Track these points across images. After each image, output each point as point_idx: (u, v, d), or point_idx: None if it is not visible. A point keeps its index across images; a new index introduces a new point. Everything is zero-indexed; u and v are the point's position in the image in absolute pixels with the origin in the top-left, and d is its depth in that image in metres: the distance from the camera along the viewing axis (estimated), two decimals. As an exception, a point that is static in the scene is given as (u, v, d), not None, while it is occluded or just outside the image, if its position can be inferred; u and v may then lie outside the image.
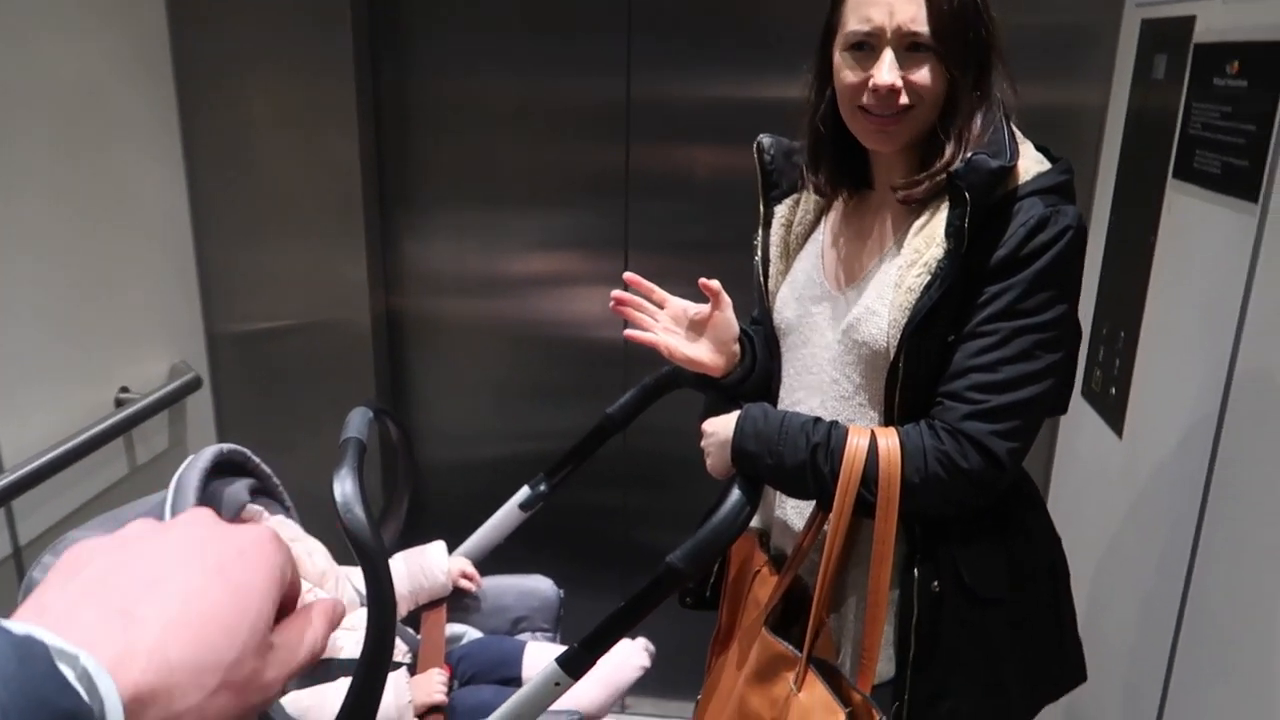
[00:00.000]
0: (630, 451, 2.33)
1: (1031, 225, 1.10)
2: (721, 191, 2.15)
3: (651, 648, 1.50)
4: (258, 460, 1.47)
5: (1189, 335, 1.49)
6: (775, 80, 2.04)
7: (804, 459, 1.13)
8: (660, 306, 1.31)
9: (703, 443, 1.26)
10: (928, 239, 1.14)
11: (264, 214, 2.16)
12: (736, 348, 1.32)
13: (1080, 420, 1.87)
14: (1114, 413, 1.71)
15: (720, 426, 1.22)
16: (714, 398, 1.37)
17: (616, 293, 1.30)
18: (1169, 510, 1.50)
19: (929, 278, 1.12)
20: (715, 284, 1.26)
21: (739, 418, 1.19)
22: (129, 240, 1.93)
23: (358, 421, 1.24)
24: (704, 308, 1.28)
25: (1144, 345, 1.63)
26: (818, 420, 1.17)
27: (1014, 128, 1.17)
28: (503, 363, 2.38)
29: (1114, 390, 1.72)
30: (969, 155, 1.09)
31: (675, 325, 1.30)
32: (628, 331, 1.28)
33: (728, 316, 1.29)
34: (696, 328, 1.30)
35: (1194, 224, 1.50)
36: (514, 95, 2.17)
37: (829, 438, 1.14)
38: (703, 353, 1.29)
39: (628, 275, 1.30)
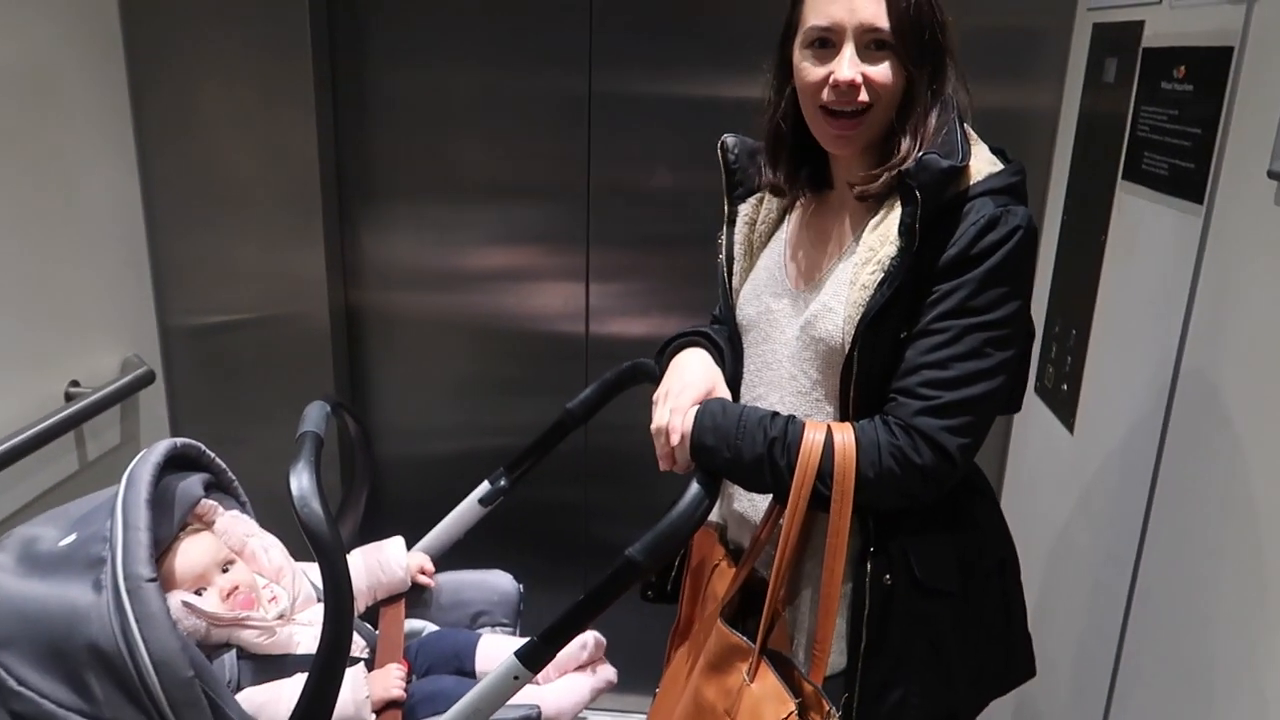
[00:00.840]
0: (591, 447, 2.33)
1: (982, 224, 1.12)
2: (683, 187, 2.16)
3: (603, 640, 1.50)
4: (212, 455, 1.45)
5: (1137, 333, 1.53)
6: (737, 77, 2.05)
7: (761, 453, 1.15)
8: None
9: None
10: (882, 237, 1.16)
11: (219, 204, 2.12)
12: None
13: (1033, 416, 1.91)
14: (1065, 409, 1.75)
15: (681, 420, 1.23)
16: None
17: None
18: (1117, 505, 1.54)
19: (881, 275, 1.14)
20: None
21: (697, 412, 1.20)
22: (78, 229, 1.89)
23: (315, 415, 1.23)
24: None
25: (1094, 342, 1.66)
26: (775, 415, 1.18)
27: (967, 129, 1.19)
28: (463, 357, 2.37)
29: (1065, 386, 1.75)
30: (920, 154, 1.11)
31: None
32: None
33: None
34: None
35: (1142, 224, 1.54)
36: (475, 86, 2.16)
37: (786, 432, 1.16)
38: None
39: None
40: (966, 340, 1.12)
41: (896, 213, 1.16)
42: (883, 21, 1.13)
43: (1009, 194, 1.16)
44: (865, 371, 1.16)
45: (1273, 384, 1.14)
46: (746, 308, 1.33)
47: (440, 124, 2.20)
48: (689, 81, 2.12)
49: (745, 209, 1.36)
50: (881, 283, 1.14)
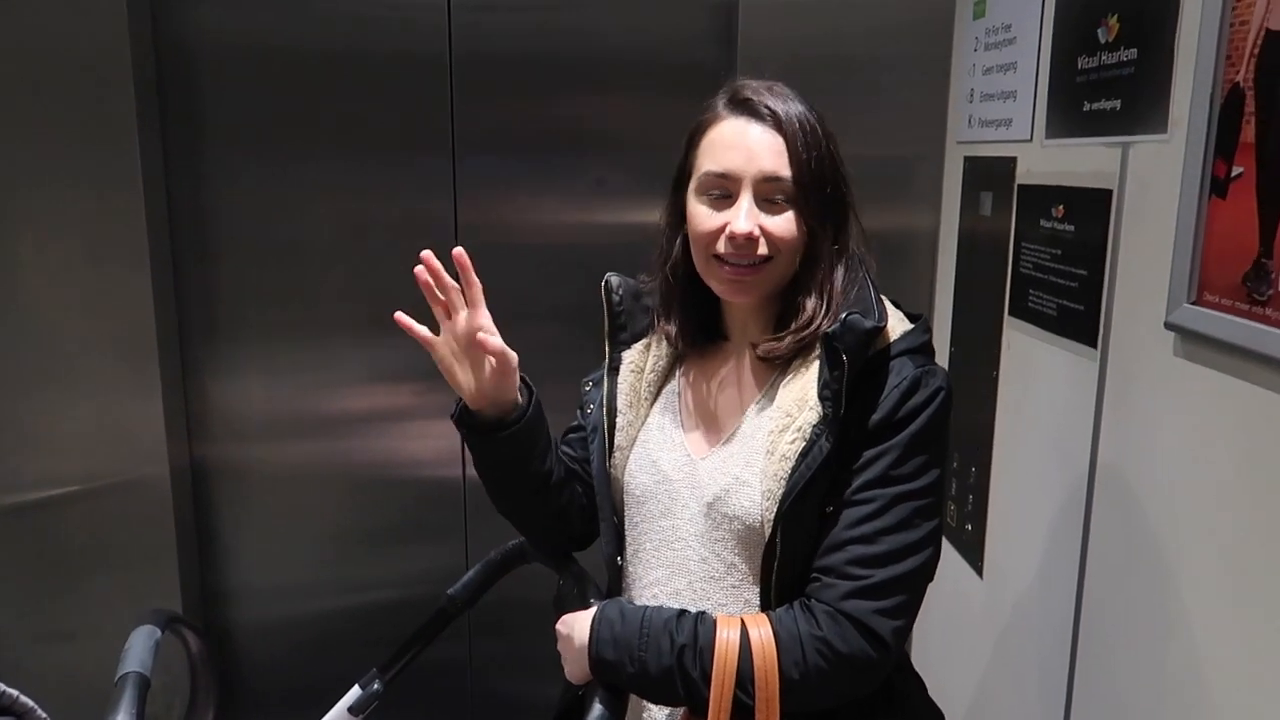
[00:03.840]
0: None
1: (905, 387, 1.04)
2: (555, 315, 2.06)
3: None
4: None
5: (1042, 473, 1.48)
6: (606, 207, 2.00)
7: (670, 664, 1.01)
8: (469, 308, 1.12)
9: (559, 646, 1.12)
10: (798, 400, 1.07)
11: (33, 357, 1.88)
12: (515, 395, 1.16)
13: (942, 559, 1.85)
14: (973, 550, 1.69)
15: (576, 628, 1.09)
16: (568, 581, 1.24)
17: (428, 256, 1.11)
18: (1037, 652, 1.47)
19: (804, 444, 1.04)
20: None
21: (593, 620, 1.06)
22: None
23: (138, 649, 1.02)
24: (500, 352, 1.10)
25: (996, 481, 1.62)
26: (681, 615, 1.05)
27: (876, 285, 1.13)
28: (328, 510, 2.16)
29: (970, 527, 1.70)
30: (844, 316, 1.03)
31: (461, 339, 1.12)
32: (400, 314, 1.11)
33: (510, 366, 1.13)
34: (476, 358, 1.13)
35: (1035, 362, 1.51)
36: (330, 213, 2.02)
37: (696, 635, 1.03)
38: (471, 382, 1.13)
39: (457, 251, 1.11)
40: (894, 511, 1.03)
41: (810, 372, 1.07)
42: (784, 171, 1.06)
43: (924, 353, 1.10)
44: (790, 552, 1.05)
45: (1184, 526, 1.10)
46: (640, 475, 1.21)
47: (294, 258, 2.03)
48: (558, 209, 2.05)
49: (631, 356, 1.25)
50: (805, 452, 1.04)
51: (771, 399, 1.11)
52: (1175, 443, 1.14)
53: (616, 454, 1.23)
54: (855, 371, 1.03)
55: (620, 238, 2.02)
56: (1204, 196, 1.07)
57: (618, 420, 1.23)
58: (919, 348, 1.10)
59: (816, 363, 1.08)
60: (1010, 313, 1.59)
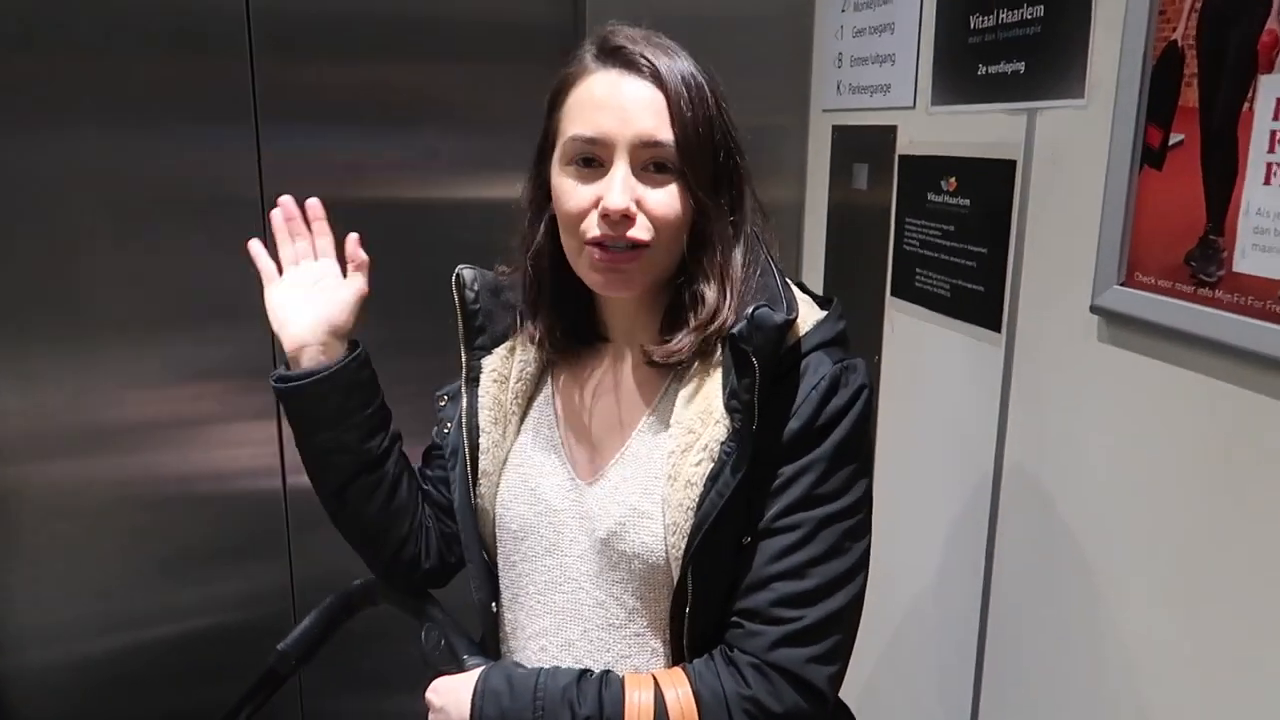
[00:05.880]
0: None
1: (824, 388, 0.89)
2: (384, 309, 1.80)
3: None
4: None
5: (939, 468, 1.39)
6: (452, 180, 1.76)
7: None
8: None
9: (430, 718, 0.90)
10: (702, 414, 0.89)
11: None
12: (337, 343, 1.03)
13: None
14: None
15: (451, 699, 0.88)
16: (433, 631, 1.02)
17: (287, 202, 1.08)
18: (939, 665, 1.38)
19: (712, 466, 0.87)
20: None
21: (475, 694, 0.86)
22: None
23: None
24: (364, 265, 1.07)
25: (883, 476, 1.52)
26: (582, 677, 0.86)
27: (780, 268, 0.96)
28: (121, 533, 1.83)
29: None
30: (750, 310, 0.86)
31: (311, 272, 1.07)
32: (253, 243, 1.07)
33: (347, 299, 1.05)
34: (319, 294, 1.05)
35: (926, 347, 1.41)
36: (105, 193, 1.68)
37: (601, 702, 0.84)
38: (304, 315, 1.03)
39: (312, 202, 1.08)
40: (822, 537, 0.88)
41: (713, 379, 0.90)
42: (664, 134, 0.87)
43: (840, 345, 0.94)
44: (703, 594, 0.88)
45: (1108, 529, 1.01)
46: (515, 505, 1.00)
47: (58, 247, 1.67)
48: (385, 187, 1.79)
49: (493, 363, 1.04)
50: (713, 476, 0.87)
51: (668, 412, 0.93)
52: (1098, 437, 1.06)
53: (483, 481, 1.01)
54: (768, 376, 0.87)
55: (462, 216, 1.80)
56: (1135, 167, 0.98)
57: (481, 440, 1.01)
58: (834, 339, 0.94)
59: (718, 367, 0.91)
60: (893, 292, 1.48)
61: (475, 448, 1.02)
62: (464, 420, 1.02)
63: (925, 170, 1.38)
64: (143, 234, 1.71)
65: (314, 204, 1.07)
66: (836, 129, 1.67)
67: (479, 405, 1.02)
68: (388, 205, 1.83)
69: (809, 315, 0.94)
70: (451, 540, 1.08)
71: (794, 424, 0.88)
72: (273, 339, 1.01)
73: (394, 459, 1.04)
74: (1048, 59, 1.12)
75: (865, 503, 0.92)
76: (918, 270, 1.41)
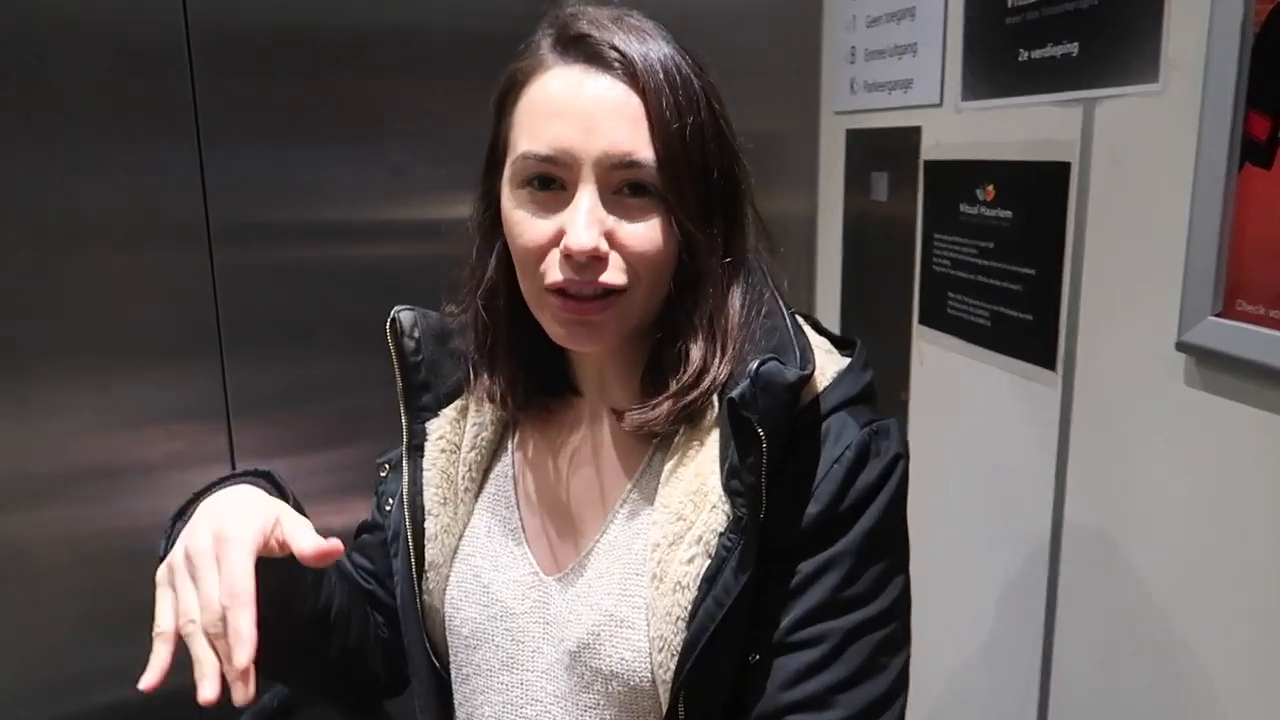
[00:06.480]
0: None
1: (850, 461, 0.68)
2: (336, 346, 1.61)
3: None
4: None
5: (980, 529, 1.18)
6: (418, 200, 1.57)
7: None
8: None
9: None
10: (693, 495, 0.69)
11: None
12: None
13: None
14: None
15: None
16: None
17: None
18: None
19: (708, 563, 0.67)
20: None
21: None
22: None
23: None
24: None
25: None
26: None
27: (786, 305, 0.76)
28: (68, 592, 1.62)
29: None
30: (754, 365, 0.65)
31: None
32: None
33: None
34: None
35: (963, 384, 1.20)
36: (25, 218, 1.50)
37: None
38: None
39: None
40: (851, 654, 0.68)
41: (707, 448, 0.70)
42: (642, 150, 0.67)
43: (867, 401, 0.74)
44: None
45: (1197, 608, 0.80)
46: (466, 606, 0.80)
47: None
48: (344, 209, 1.60)
49: (440, 427, 0.83)
50: (710, 577, 0.67)
51: (651, 489, 0.73)
52: (1181, 496, 0.85)
53: (430, 574, 0.81)
54: (778, 449, 0.67)
55: (427, 238, 1.60)
56: (1233, 166, 0.77)
57: (427, 524, 0.81)
58: (860, 394, 0.73)
59: (714, 432, 0.71)
60: (921, 320, 1.28)
61: (420, 534, 0.81)
62: (406, 499, 0.82)
63: (956, 177, 1.18)
64: (75, 265, 1.54)
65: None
66: (851, 133, 1.46)
67: (424, 481, 0.82)
68: (348, 228, 1.65)
69: (827, 365, 0.73)
70: (397, 646, 0.89)
71: (813, 508, 0.68)
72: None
73: (333, 597, 0.82)
74: (1109, 37, 0.92)
75: (903, 605, 0.72)
76: (950, 295, 1.20)
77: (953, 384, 1.21)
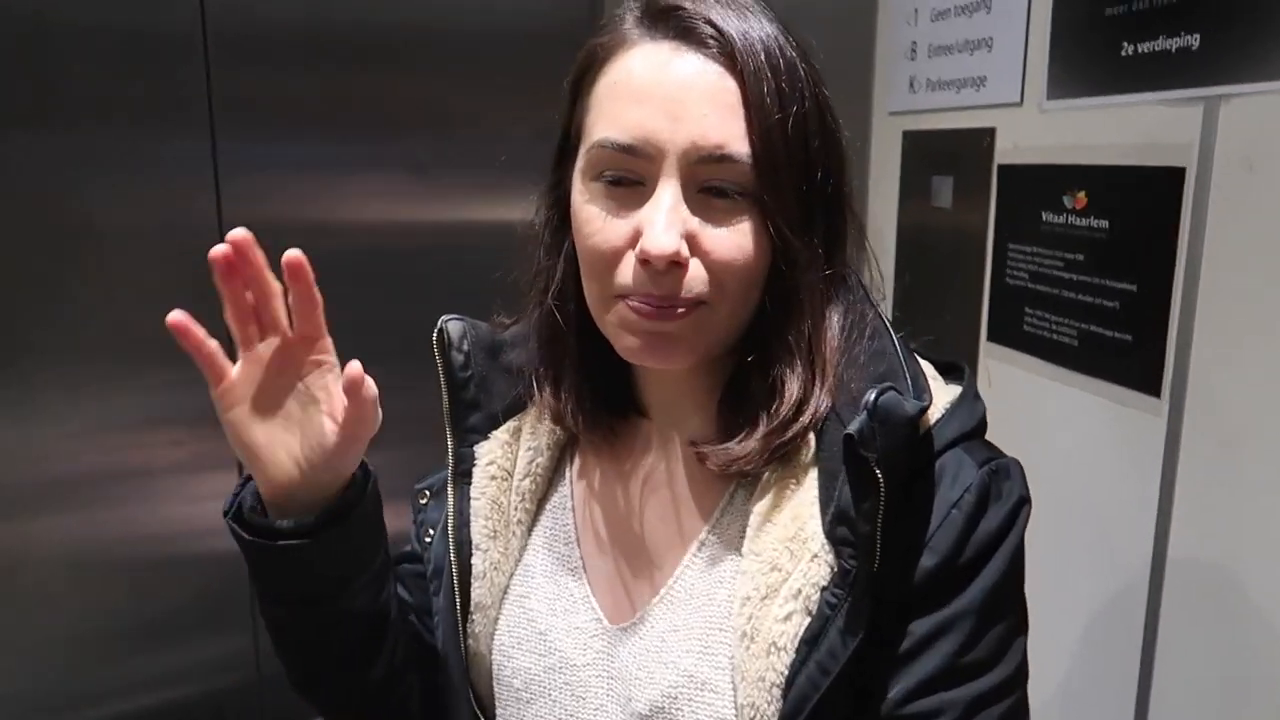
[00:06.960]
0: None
1: (971, 506, 0.59)
2: (361, 351, 1.52)
3: None
4: None
5: (1066, 569, 1.08)
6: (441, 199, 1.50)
7: None
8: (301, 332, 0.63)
9: None
10: (790, 544, 0.59)
11: None
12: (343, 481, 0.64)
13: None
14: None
15: None
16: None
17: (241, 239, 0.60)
18: None
19: (809, 622, 0.57)
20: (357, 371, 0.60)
21: None
22: None
23: None
24: (370, 403, 0.61)
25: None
26: None
27: (890, 325, 0.66)
28: (67, 601, 1.53)
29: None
30: (871, 397, 0.55)
31: (281, 375, 0.63)
32: (178, 315, 0.62)
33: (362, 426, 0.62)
34: (300, 405, 0.64)
35: (1040, 409, 1.10)
36: (35, 213, 1.40)
37: None
38: (281, 451, 0.63)
39: (292, 256, 0.59)
40: None
41: (805, 487, 0.60)
42: (737, 143, 0.57)
43: (982, 436, 0.64)
44: None
45: None
46: (518, 654, 0.69)
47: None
48: (360, 208, 1.51)
49: (489, 450, 0.72)
50: (812, 638, 0.57)
51: (734, 532, 0.63)
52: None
53: (476, 615, 0.71)
54: (896, 493, 0.57)
55: (451, 241, 1.51)
56: None
57: (474, 560, 0.71)
58: (976, 428, 0.64)
59: (812, 471, 0.61)
60: (990, 337, 1.18)
61: (466, 570, 0.71)
62: (451, 531, 0.72)
63: (1038, 183, 1.08)
64: (82, 264, 1.45)
65: (294, 258, 0.60)
66: (909, 135, 1.37)
67: (472, 511, 0.72)
68: (364, 229, 1.56)
69: (940, 396, 0.63)
70: (436, 692, 0.78)
71: (929, 560, 0.58)
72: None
73: (390, 608, 0.72)
74: (1240, 27, 0.83)
75: (1025, 672, 0.62)
76: (1027, 310, 1.10)
77: (1027, 406, 1.12)
